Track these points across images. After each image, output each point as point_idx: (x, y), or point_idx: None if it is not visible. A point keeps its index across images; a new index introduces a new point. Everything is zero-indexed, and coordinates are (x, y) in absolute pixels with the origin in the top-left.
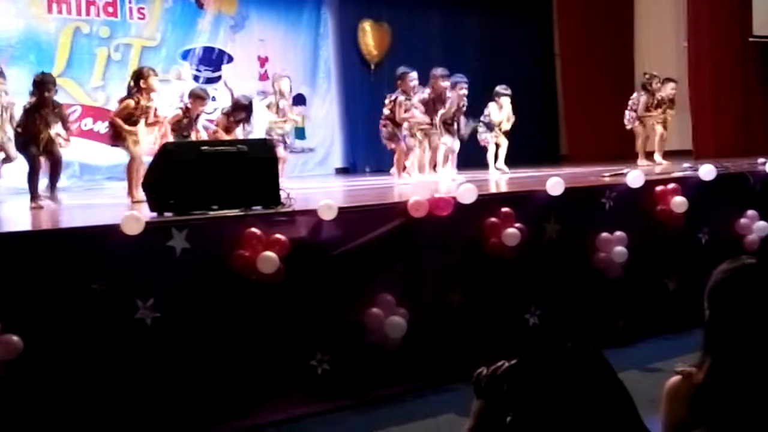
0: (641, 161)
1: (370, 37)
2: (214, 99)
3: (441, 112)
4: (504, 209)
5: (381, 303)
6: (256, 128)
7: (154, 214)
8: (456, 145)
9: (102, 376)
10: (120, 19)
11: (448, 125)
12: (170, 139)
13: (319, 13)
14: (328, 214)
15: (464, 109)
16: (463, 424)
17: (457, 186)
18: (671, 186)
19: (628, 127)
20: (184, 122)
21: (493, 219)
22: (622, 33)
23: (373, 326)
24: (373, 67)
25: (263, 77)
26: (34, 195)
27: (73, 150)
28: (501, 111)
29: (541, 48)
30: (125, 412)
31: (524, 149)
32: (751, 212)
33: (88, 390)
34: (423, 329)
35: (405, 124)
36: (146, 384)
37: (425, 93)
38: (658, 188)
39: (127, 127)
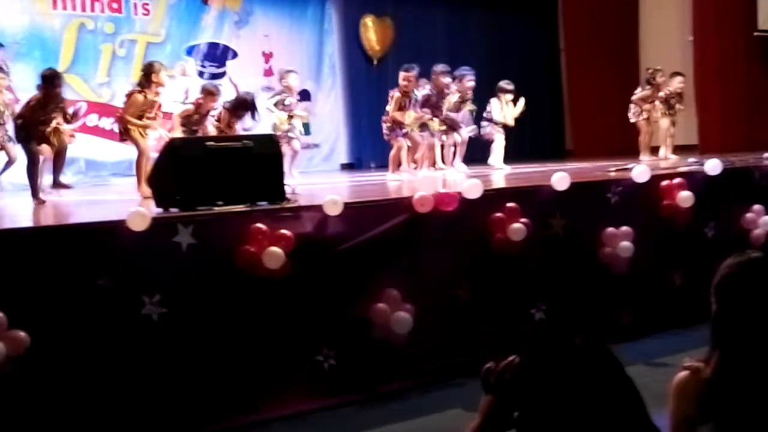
0: (644, 156)
1: (372, 32)
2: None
3: (446, 106)
4: (509, 204)
5: (387, 298)
6: (261, 124)
7: (160, 209)
8: (464, 134)
9: (109, 371)
10: (125, 15)
11: (456, 121)
12: (178, 134)
13: (323, 9)
14: (333, 210)
15: (471, 101)
16: (470, 420)
17: (463, 181)
18: (677, 181)
19: (633, 120)
20: (195, 118)
21: (498, 214)
22: (627, 28)
23: (379, 321)
24: (376, 62)
25: (268, 73)
26: (35, 190)
27: (79, 146)
28: (503, 107)
29: (545, 43)
30: (132, 407)
31: (529, 145)
32: (757, 207)
33: (95, 385)
34: (429, 324)
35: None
36: (153, 379)
37: (427, 89)
38: (664, 183)
39: (135, 120)
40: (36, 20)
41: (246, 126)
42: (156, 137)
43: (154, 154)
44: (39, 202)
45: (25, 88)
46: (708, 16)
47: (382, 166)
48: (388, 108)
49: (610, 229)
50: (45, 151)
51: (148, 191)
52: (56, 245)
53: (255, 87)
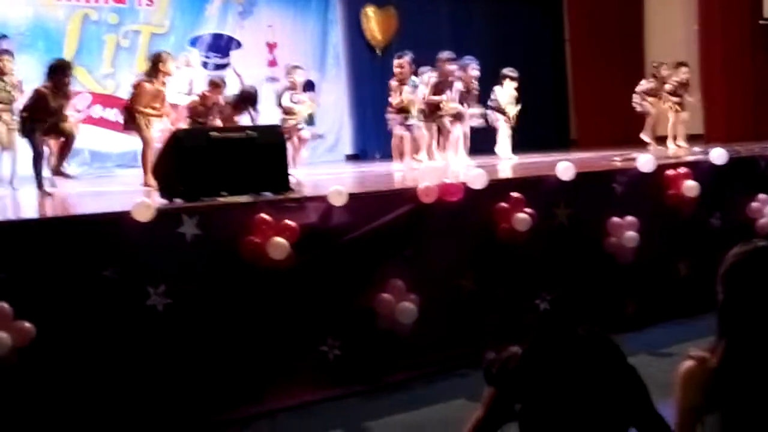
0: (645, 136)
1: (373, 22)
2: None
3: (449, 95)
4: (514, 194)
5: (392, 289)
6: (265, 117)
7: (165, 200)
8: (467, 129)
9: (114, 362)
10: (128, 5)
11: (459, 108)
12: (183, 125)
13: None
14: (338, 200)
15: (475, 92)
16: (474, 410)
17: (467, 171)
18: (682, 170)
19: (638, 109)
20: (200, 110)
21: (503, 204)
22: (631, 17)
23: (384, 312)
24: (380, 52)
25: (272, 63)
26: (40, 181)
27: (83, 137)
28: (506, 93)
29: (550, 33)
30: (136, 397)
31: (534, 135)
32: (762, 196)
33: (100, 376)
34: (434, 315)
35: (413, 110)
36: (157, 370)
37: (433, 77)
38: (669, 173)
39: (144, 110)
40: (40, 11)
41: (253, 117)
42: (161, 128)
43: (158, 145)
44: (44, 193)
45: (30, 79)
46: (713, 5)
47: (387, 156)
48: (390, 100)
49: (616, 219)
50: (51, 142)
51: (153, 182)
52: (61, 236)
53: (259, 77)
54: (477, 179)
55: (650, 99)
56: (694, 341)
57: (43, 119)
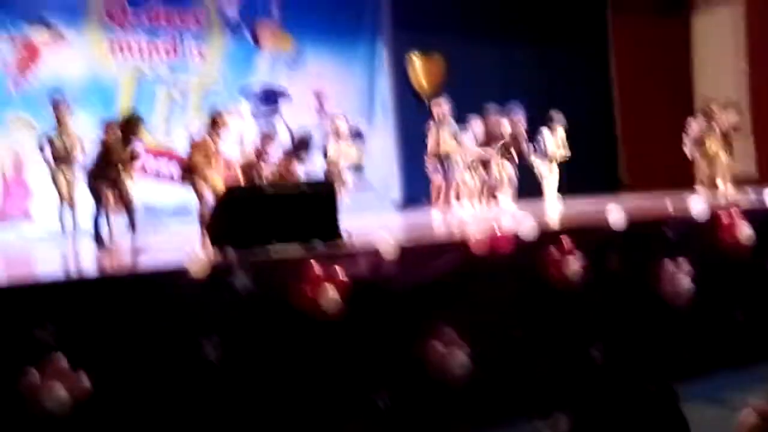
0: (703, 188)
1: (419, 68)
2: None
3: (498, 144)
4: (564, 241)
5: (443, 338)
6: (315, 166)
7: (218, 254)
8: (515, 175)
9: (168, 414)
10: (180, 59)
11: (507, 155)
12: (240, 179)
13: (374, 47)
14: (388, 251)
15: (522, 137)
16: None
17: (517, 219)
18: (736, 215)
19: (689, 155)
20: (254, 163)
21: (553, 251)
22: (679, 56)
23: (435, 362)
24: (426, 99)
25: (320, 112)
26: (98, 234)
27: (137, 190)
28: (554, 137)
29: (597, 74)
30: None
31: (583, 177)
32: None
33: (155, 428)
34: (486, 364)
35: (455, 155)
36: (212, 421)
37: (478, 126)
38: (723, 217)
39: (202, 165)
40: (94, 67)
41: (306, 165)
42: (216, 183)
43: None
44: (101, 246)
45: (85, 135)
46: (763, 43)
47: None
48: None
49: (669, 265)
50: (111, 200)
51: (207, 236)
52: (118, 292)
53: (308, 126)
54: (527, 228)
55: (705, 142)
56: (751, 389)
57: (108, 171)
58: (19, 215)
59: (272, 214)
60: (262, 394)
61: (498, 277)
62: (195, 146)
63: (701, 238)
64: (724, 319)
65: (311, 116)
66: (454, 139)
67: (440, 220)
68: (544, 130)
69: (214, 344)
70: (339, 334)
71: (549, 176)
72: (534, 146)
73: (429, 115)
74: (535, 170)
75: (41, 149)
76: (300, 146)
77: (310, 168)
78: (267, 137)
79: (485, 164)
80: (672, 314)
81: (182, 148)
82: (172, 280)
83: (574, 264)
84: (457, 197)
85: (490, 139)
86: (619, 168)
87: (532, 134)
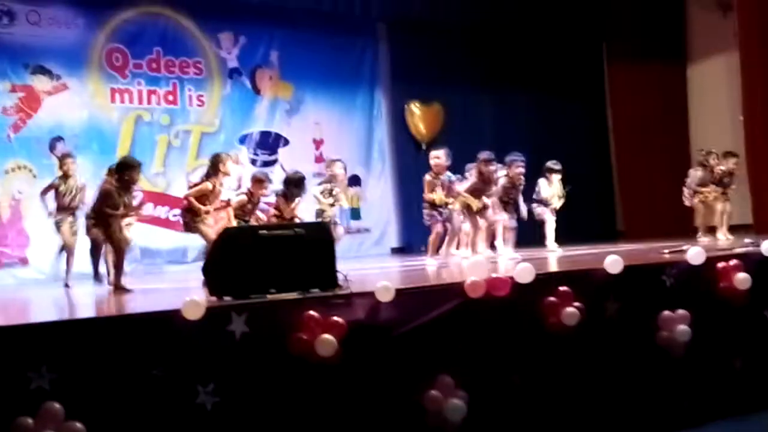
0: (702, 237)
1: (418, 117)
2: (271, 182)
3: (496, 192)
4: (562, 288)
5: (440, 385)
6: (307, 212)
7: (214, 298)
8: (513, 223)
9: None
10: (180, 106)
11: (504, 203)
12: (233, 223)
13: (372, 96)
14: (385, 296)
15: (521, 187)
16: None
17: (515, 265)
18: (733, 262)
19: (687, 203)
20: (248, 207)
21: (551, 298)
22: (676, 107)
23: (432, 409)
24: (425, 147)
25: (319, 159)
26: (96, 272)
27: (134, 234)
28: (551, 186)
29: (594, 125)
30: None
31: (580, 226)
32: None
33: None
34: (483, 411)
35: (452, 205)
36: None
37: (472, 176)
38: (720, 265)
39: (204, 209)
40: (95, 113)
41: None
42: (214, 226)
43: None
44: (102, 289)
45: (84, 180)
46: (758, 95)
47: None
48: (424, 195)
49: (666, 313)
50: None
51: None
52: (112, 335)
53: (306, 174)
54: (524, 273)
55: (703, 190)
56: None
57: (108, 216)
58: (16, 263)
59: (268, 254)
60: None
61: (495, 323)
62: (196, 190)
63: (698, 285)
64: (722, 367)
65: (310, 163)
66: (452, 188)
67: (438, 266)
68: (541, 180)
69: (209, 390)
70: (336, 380)
71: (546, 224)
72: (533, 196)
73: (426, 163)
74: (535, 217)
75: (43, 197)
76: (290, 186)
77: (305, 212)
78: (258, 181)
79: (483, 212)
80: (670, 362)
81: (181, 194)
82: (167, 322)
83: (571, 310)
84: (456, 245)
85: (487, 187)
86: (616, 217)
87: (530, 183)
